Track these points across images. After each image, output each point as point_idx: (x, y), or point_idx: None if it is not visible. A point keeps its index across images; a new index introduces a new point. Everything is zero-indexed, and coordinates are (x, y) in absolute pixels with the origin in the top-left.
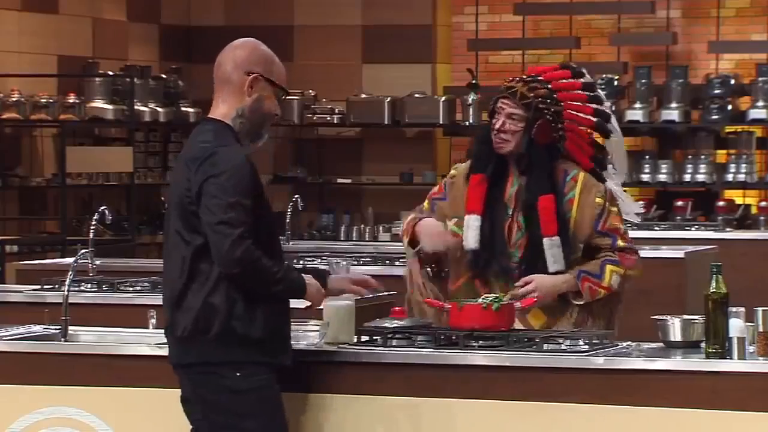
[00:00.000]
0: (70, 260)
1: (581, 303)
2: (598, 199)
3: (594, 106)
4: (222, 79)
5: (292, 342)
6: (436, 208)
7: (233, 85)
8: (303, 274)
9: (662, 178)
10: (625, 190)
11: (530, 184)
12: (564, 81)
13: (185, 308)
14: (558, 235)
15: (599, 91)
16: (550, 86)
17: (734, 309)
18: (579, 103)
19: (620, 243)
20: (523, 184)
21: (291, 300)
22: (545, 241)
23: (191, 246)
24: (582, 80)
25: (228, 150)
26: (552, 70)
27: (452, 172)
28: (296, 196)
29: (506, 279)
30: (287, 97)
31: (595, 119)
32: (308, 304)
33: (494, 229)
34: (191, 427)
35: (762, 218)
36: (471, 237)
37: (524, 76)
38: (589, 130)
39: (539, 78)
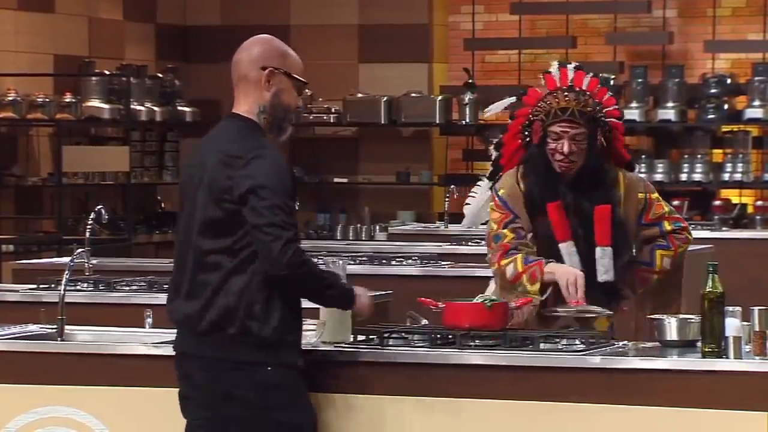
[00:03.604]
0: (66, 260)
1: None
2: (640, 195)
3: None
4: (240, 76)
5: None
6: (521, 232)
7: (251, 81)
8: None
9: (658, 177)
10: None
11: (589, 194)
12: (588, 82)
13: (209, 302)
14: (612, 245)
15: None
16: (589, 93)
17: (730, 308)
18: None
19: (667, 227)
20: (568, 193)
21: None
22: (597, 250)
23: (222, 245)
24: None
25: (271, 152)
26: (566, 75)
27: (501, 191)
28: None
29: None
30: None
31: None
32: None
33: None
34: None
35: (758, 217)
36: (574, 264)
37: (565, 92)
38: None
39: (577, 89)
